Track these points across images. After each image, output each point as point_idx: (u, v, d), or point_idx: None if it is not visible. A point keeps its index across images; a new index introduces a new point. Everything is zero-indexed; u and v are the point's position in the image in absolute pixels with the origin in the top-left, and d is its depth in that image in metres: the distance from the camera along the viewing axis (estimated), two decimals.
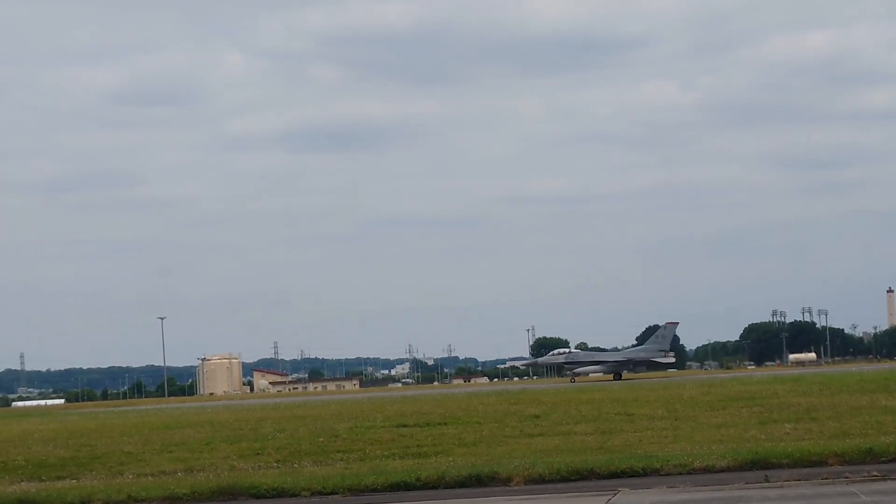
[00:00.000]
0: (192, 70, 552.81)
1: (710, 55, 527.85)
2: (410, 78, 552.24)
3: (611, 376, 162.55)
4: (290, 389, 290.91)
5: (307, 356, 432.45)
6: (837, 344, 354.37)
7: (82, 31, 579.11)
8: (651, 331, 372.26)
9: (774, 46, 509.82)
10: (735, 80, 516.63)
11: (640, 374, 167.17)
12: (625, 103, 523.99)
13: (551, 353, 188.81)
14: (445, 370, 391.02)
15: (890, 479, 31.25)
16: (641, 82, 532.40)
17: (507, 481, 34.45)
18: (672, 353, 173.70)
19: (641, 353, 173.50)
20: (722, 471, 34.04)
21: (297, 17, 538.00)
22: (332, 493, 34.49)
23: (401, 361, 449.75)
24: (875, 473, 31.93)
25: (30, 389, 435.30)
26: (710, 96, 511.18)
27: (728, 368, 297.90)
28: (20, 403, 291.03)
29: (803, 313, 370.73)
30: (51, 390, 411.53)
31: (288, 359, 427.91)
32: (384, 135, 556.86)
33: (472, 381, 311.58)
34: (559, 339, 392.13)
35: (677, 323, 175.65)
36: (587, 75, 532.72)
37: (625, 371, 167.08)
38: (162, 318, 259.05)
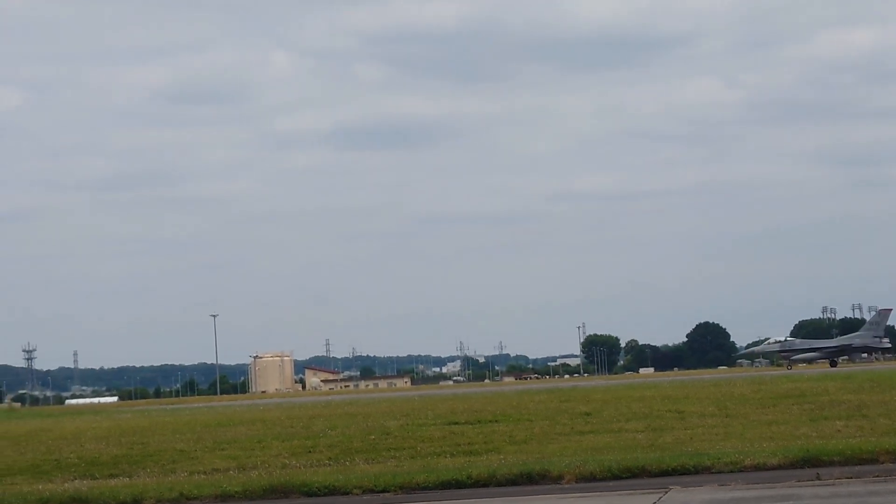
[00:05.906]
0: (239, 69, 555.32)
1: (755, 52, 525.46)
2: (456, 76, 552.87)
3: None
4: (341, 387, 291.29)
5: (359, 354, 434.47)
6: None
7: (130, 31, 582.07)
8: (702, 328, 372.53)
9: (820, 43, 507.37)
10: (780, 77, 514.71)
11: None
12: (670, 101, 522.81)
13: None
14: (496, 368, 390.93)
15: None
16: (686, 80, 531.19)
17: (558, 479, 34.42)
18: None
19: None
20: (773, 468, 33.92)
21: (342, 15, 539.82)
22: (384, 490, 34.54)
23: (452, 359, 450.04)
24: None
25: (83, 387, 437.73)
26: (755, 94, 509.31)
27: (778, 366, 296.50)
28: (73, 401, 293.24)
29: (853, 310, 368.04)
30: (104, 388, 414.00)
31: (340, 357, 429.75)
32: (431, 133, 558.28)
33: (526, 378, 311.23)
34: (610, 336, 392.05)
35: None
36: (631, 73, 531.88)
37: None
38: (214, 316, 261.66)
